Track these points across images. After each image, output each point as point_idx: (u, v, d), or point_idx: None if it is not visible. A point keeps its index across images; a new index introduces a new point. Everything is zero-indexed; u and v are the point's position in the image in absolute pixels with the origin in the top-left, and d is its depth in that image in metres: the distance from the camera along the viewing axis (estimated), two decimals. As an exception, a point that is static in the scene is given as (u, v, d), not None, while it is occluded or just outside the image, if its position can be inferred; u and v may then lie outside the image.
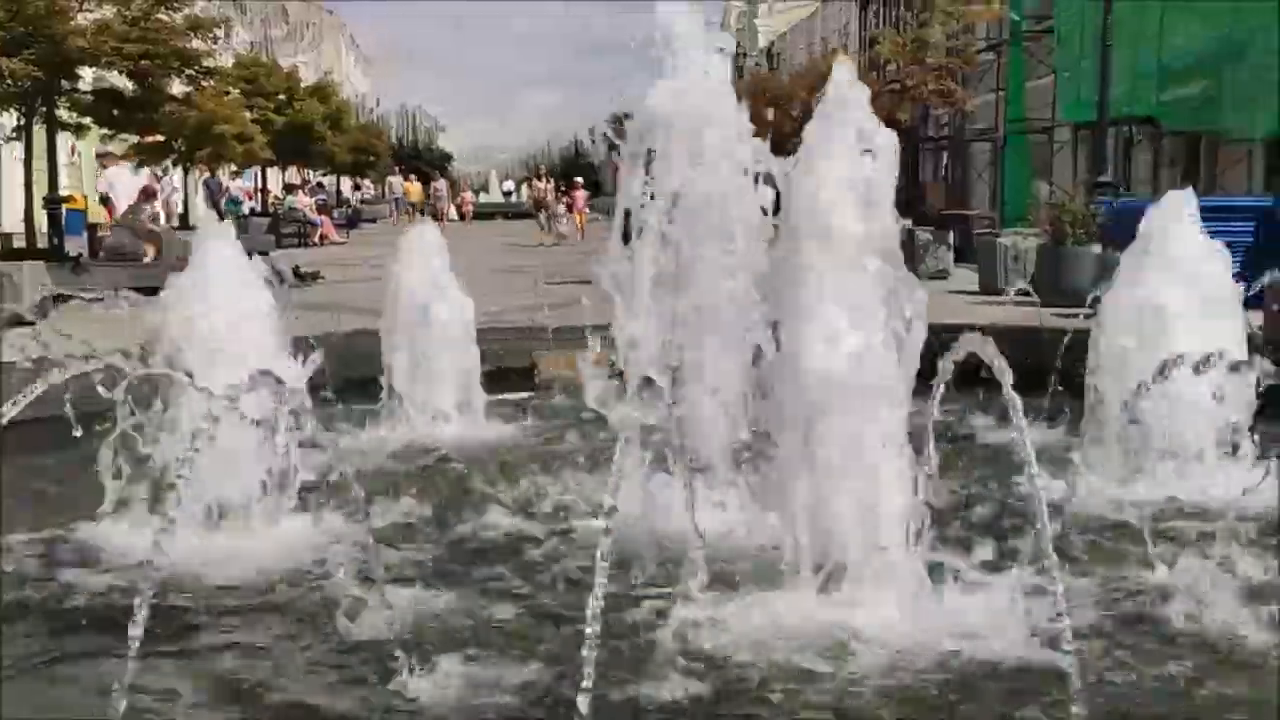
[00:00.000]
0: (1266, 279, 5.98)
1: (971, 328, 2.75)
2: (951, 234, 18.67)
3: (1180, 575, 3.11)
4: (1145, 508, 3.54)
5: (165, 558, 2.22)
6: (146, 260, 16.05)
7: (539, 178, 31.93)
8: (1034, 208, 16.98)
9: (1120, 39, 18.06)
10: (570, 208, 30.13)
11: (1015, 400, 2.41)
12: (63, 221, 16.29)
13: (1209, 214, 13.80)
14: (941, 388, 2.69)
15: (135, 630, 2.12)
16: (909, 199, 22.78)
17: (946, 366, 2.62)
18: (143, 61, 15.61)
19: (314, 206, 34.50)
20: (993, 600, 2.84)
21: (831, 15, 47.47)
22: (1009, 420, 3.78)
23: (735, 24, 69.81)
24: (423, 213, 33.50)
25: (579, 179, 33.81)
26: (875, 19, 37.21)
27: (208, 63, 18.06)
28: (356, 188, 53.46)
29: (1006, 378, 2.42)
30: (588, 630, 2.06)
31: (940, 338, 2.95)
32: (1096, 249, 12.46)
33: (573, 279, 13.02)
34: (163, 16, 16.46)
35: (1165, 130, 21.32)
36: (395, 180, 48.12)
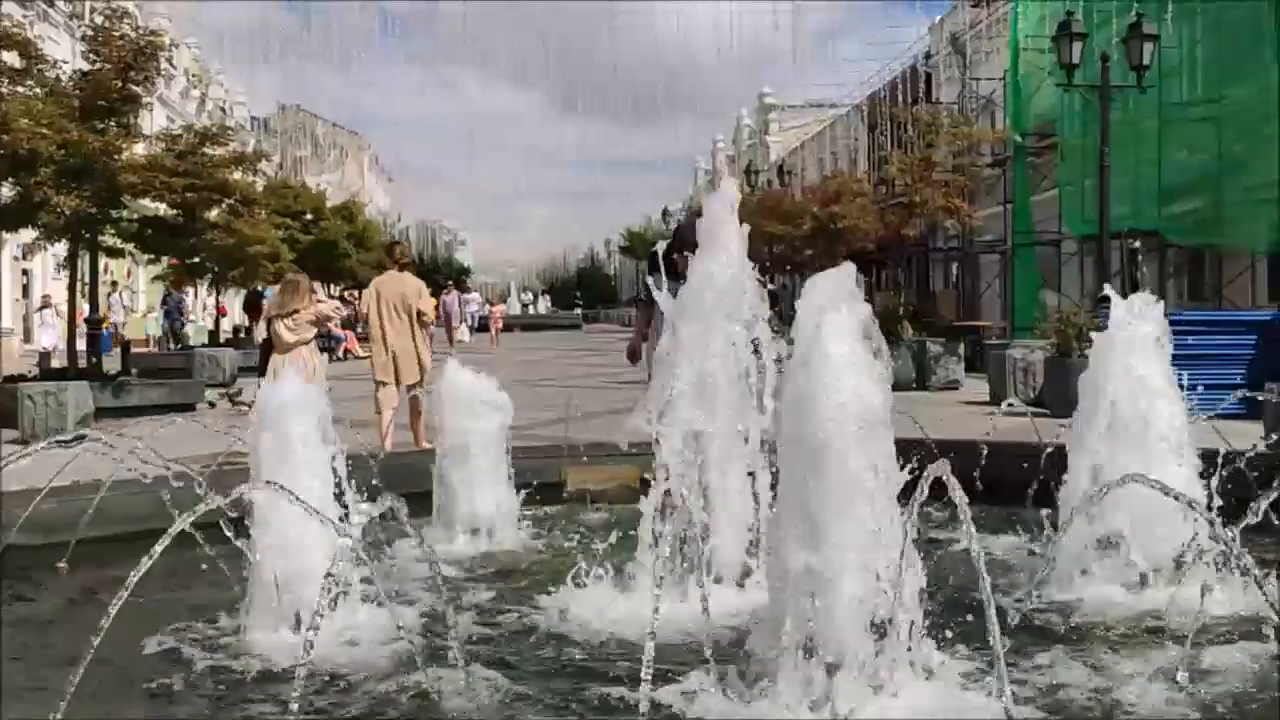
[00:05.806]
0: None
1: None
2: (962, 345, 19.16)
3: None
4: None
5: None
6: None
7: None
8: (1041, 319, 17.44)
9: (1121, 155, 18.72)
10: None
11: (964, 505, 2.83)
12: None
13: (1211, 327, 14.09)
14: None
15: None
16: (920, 309, 23.32)
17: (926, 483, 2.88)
18: (188, 194, 16.49)
19: (339, 322, 35.44)
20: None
21: (840, 133, 48.96)
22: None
23: (747, 140, 71.66)
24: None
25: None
26: (883, 136, 38.39)
27: (246, 192, 19.02)
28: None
29: (959, 493, 2.81)
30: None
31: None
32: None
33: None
34: (209, 151, 17.52)
35: (1169, 243, 21.88)
36: None
